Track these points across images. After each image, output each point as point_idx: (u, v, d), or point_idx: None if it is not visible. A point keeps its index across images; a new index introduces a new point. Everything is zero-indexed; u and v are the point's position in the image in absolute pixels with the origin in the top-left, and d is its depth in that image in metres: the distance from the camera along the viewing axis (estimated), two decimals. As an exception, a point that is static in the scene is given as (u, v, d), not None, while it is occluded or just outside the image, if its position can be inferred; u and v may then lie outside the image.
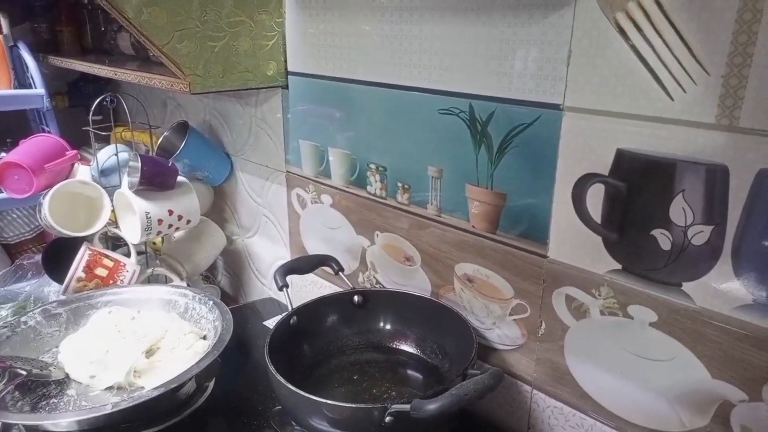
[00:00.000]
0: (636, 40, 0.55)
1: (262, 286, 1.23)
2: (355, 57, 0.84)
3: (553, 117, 0.62)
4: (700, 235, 0.54)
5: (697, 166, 0.53)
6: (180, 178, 1.07)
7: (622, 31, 0.55)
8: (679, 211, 0.55)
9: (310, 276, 1.03)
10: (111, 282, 1.02)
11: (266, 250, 1.19)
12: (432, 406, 0.54)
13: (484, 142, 0.70)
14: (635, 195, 0.58)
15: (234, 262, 1.30)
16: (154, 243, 1.23)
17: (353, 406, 0.60)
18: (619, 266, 0.61)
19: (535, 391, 0.73)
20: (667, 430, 0.61)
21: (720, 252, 0.53)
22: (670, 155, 0.55)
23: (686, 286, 0.56)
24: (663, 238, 0.57)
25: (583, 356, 0.67)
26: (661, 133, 0.55)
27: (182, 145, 1.09)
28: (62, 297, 0.97)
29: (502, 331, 0.75)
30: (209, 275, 1.33)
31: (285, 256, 1.12)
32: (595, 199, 0.61)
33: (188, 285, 1.14)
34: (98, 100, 1.09)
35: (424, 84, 0.76)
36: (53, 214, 1.05)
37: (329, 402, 0.60)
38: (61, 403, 0.75)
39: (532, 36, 0.63)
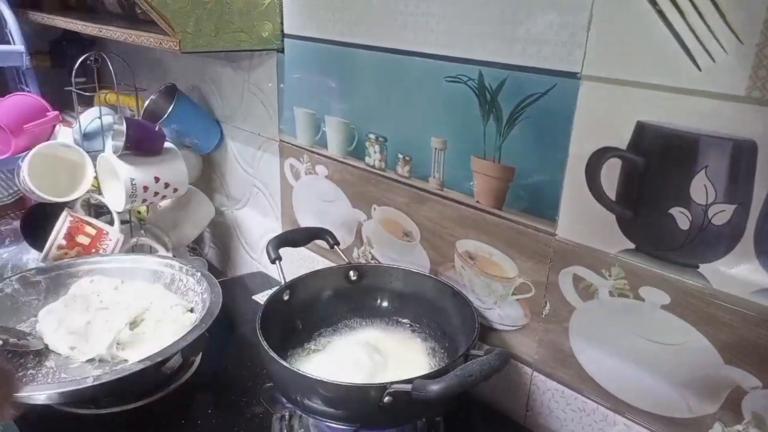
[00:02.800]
0: (663, 4, 0.51)
1: (251, 260, 1.20)
2: (356, 19, 0.80)
3: (570, 86, 0.59)
4: (721, 214, 0.52)
5: (723, 141, 0.50)
6: (167, 144, 1.03)
7: (649, -5, 0.52)
8: (701, 188, 0.52)
9: (303, 251, 0.99)
10: (93, 251, 0.98)
11: (256, 223, 1.15)
12: (435, 386, 0.51)
13: (493, 112, 0.66)
14: (654, 171, 0.55)
15: (222, 234, 1.26)
16: (139, 212, 1.18)
17: (351, 384, 0.57)
18: (632, 246, 0.58)
19: (535, 373, 0.71)
20: (674, 416, 0.59)
21: (742, 233, 0.51)
22: (694, 129, 0.52)
23: (703, 268, 0.54)
24: (681, 217, 0.54)
25: (589, 338, 0.64)
26: (686, 105, 0.52)
27: (170, 109, 1.04)
28: (42, 264, 0.93)
29: (503, 311, 0.72)
30: (196, 247, 1.29)
31: (276, 228, 1.08)
32: (611, 174, 0.58)
33: (174, 257, 1.10)
34: (82, 58, 1.03)
35: (429, 49, 0.71)
36: (33, 178, 0.99)
37: (325, 380, 0.57)
38: (39, 375, 0.71)
39: (550, -1, 0.59)
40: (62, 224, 0.98)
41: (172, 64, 1.28)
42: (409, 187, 0.79)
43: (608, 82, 0.56)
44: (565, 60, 0.59)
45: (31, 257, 1.12)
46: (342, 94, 0.85)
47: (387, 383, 0.55)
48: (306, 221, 1.00)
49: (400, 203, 0.82)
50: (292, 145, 0.98)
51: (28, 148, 1.02)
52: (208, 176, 1.25)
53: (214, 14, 0.84)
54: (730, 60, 0.49)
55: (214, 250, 1.32)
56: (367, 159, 0.84)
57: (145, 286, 0.86)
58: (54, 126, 1.14)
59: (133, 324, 0.78)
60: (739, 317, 0.52)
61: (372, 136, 0.82)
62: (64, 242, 0.97)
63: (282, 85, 0.96)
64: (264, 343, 0.62)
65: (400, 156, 0.79)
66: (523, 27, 0.62)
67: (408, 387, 0.53)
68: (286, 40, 0.93)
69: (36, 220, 1.12)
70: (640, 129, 0.55)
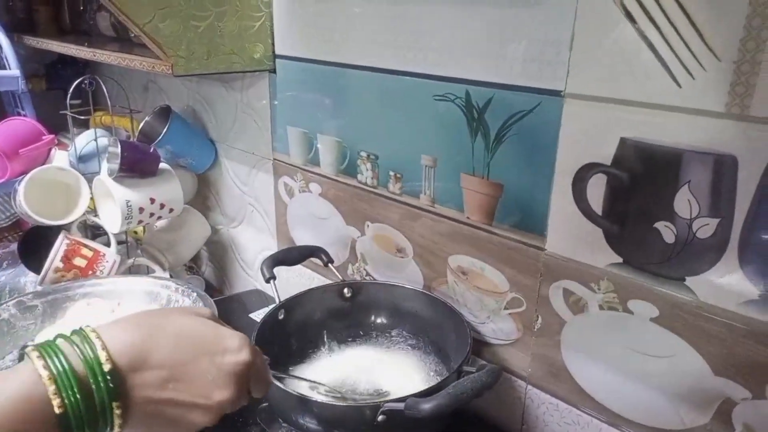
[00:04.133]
0: (643, 23, 0.52)
1: (248, 277, 1.20)
2: (346, 40, 0.81)
3: (554, 104, 0.60)
4: (705, 228, 0.52)
5: (704, 156, 0.51)
6: (162, 165, 1.03)
7: (628, 14, 0.53)
8: (684, 203, 0.53)
9: (298, 267, 1.00)
10: (90, 272, 0.99)
11: (252, 240, 1.15)
12: (427, 405, 0.52)
13: (481, 129, 0.67)
14: (638, 186, 0.56)
15: (219, 252, 1.27)
16: (135, 232, 1.19)
17: (344, 404, 0.58)
18: (620, 260, 0.59)
19: (529, 387, 0.71)
20: (667, 428, 0.59)
21: (726, 246, 0.51)
22: (676, 145, 0.52)
23: (690, 281, 0.54)
24: (667, 231, 0.55)
25: (581, 352, 0.65)
26: (668, 121, 0.53)
27: (164, 131, 1.05)
28: (38, 288, 0.93)
29: (496, 326, 0.73)
30: (193, 266, 1.29)
31: (272, 246, 1.08)
32: (597, 190, 0.59)
33: (171, 276, 1.10)
34: (76, 82, 1.04)
35: (418, 68, 0.72)
36: (29, 202, 1.00)
37: (319, 400, 0.57)
38: (37, 400, 0.71)
39: (533, 18, 0.60)
40: (59, 247, 0.99)
41: (166, 86, 1.29)
42: (401, 204, 0.80)
43: (591, 100, 0.57)
44: (549, 78, 0.60)
45: (29, 280, 1.13)
46: (333, 113, 0.86)
47: (381, 402, 0.56)
48: (301, 238, 1.01)
49: (393, 220, 0.82)
50: (286, 163, 0.99)
51: (25, 172, 1.03)
52: (203, 195, 1.25)
53: (205, 37, 0.85)
54: (709, 77, 0.50)
55: (211, 268, 1.33)
56: (359, 177, 0.85)
57: (142, 308, 0.86)
58: (50, 149, 1.15)
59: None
60: (727, 329, 0.53)
61: (364, 154, 0.83)
62: (61, 265, 0.98)
63: (275, 105, 0.97)
64: (258, 364, 0.62)
65: (392, 173, 0.80)
66: (507, 46, 0.63)
67: (401, 405, 0.54)
68: (277, 60, 0.94)
69: (33, 242, 1.12)
70: (624, 145, 0.56)
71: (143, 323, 0.42)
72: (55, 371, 0.36)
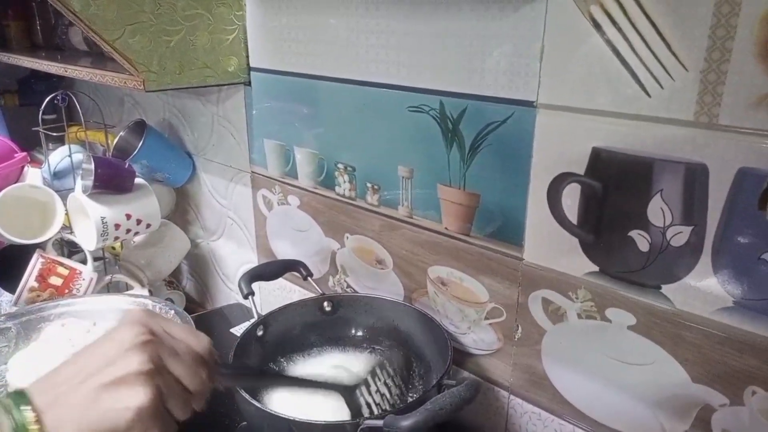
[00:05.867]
0: (611, 34, 0.52)
1: (230, 291, 1.19)
2: (321, 52, 0.80)
3: (527, 114, 0.60)
4: (679, 236, 0.53)
5: (676, 164, 0.51)
6: (138, 180, 1.02)
7: (596, 25, 0.53)
8: (657, 211, 0.53)
9: (279, 280, 0.99)
10: (67, 291, 0.97)
11: (232, 254, 1.14)
12: (406, 422, 0.51)
13: (456, 140, 0.67)
14: (612, 195, 0.56)
15: (199, 266, 1.26)
16: (113, 248, 1.17)
17: (323, 422, 0.57)
18: (596, 268, 0.59)
19: (512, 397, 0.71)
20: (647, 436, 0.59)
21: (700, 253, 0.52)
22: (648, 154, 0.53)
23: (665, 289, 0.55)
24: (641, 239, 0.55)
25: (561, 361, 0.65)
26: (638, 130, 0.53)
27: (139, 146, 1.04)
28: (12, 309, 0.91)
29: (477, 336, 0.72)
30: (173, 280, 1.27)
31: (252, 259, 1.07)
32: (571, 199, 0.59)
33: (150, 291, 1.09)
34: (48, 98, 1.02)
35: (392, 80, 0.72)
36: (2, 221, 0.98)
37: (297, 419, 0.56)
38: (10, 426, 0.70)
39: (503, 30, 0.60)
40: (34, 266, 0.97)
41: (141, 100, 1.27)
42: (379, 215, 0.80)
43: (563, 110, 0.57)
44: (521, 89, 0.60)
45: (4, 300, 1.10)
46: (310, 125, 0.86)
47: (360, 419, 0.55)
48: (281, 251, 1.00)
49: (372, 231, 0.82)
50: (264, 176, 0.98)
51: (-3, 191, 1.01)
52: (182, 209, 1.24)
53: (177, 52, 0.84)
54: (677, 86, 0.50)
55: (192, 282, 1.31)
56: (337, 188, 0.85)
57: (119, 327, 0.85)
58: (22, 167, 1.13)
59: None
60: (703, 336, 0.53)
61: (341, 165, 0.83)
62: (36, 284, 0.96)
63: (251, 117, 0.97)
64: (236, 384, 0.61)
65: (369, 185, 0.80)
66: (479, 58, 0.63)
67: (380, 423, 0.53)
68: (252, 73, 0.93)
69: (7, 262, 1.10)
70: (596, 155, 0.56)
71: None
72: None
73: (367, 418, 0.55)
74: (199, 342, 0.44)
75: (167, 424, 0.41)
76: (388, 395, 0.63)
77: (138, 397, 0.39)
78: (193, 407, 0.44)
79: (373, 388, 0.61)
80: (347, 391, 0.58)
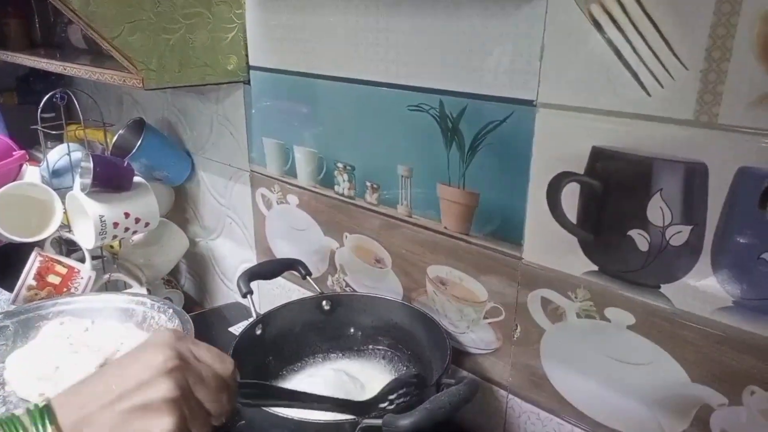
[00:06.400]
0: (611, 33, 0.52)
1: (228, 290, 1.19)
2: (320, 51, 0.80)
3: (527, 113, 0.60)
4: (678, 235, 0.52)
5: (675, 164, 0.51)
6: (137, 179, 1.02)
7: (597, 24, 0.53)
8: (657, 210, 0.53)
9: (278, 280, 0.99)
10: (65, 290, 0.97)
11: (231, 253, 1.14)
12: (405, 421, 0.51)
13: (456, 139, 0.67)
14: (611, 194, 0.56)
15: (198, 265, 1.25)
16: (112, 247, 1.17)
17: (321, 421, 0.57)
18: (595, 268, 0.59)
19: (510, 396, 0.71)
20: (646, 435, 0.59)
21: (699, 253, 0.52)
22: (648, 153, 0.53)
23: (665, 288, 0.54)
24: (640, 239, 0.55)
25: (560, 360, 0.64)
26: (638, 130, 0.53)
27: (138, 144, 1.04)
28: (10, 307, 0.91)
29: (476, 335, 0.72)
30: (172, 279, 1.27)
31: (251, 258, 1.07)
32: (571, 198, 0.59)
33: (149, 290, 1.09)
34: (47, 96, 1.02)
35: (392, 79, 0.72)
36: (0, 219, 0.98)
37: (295, 418, 0.56)
38: (8, 424, 0.70)
39: (503, 29, 0.60)
40: (32, 264, 0.97)
41: (140, 98, 1.27)
42: (378, 214, 0.80)
43: (563, 109, 0.57)
44: (521, 88, 0.60)
45: (2, 298, 1.10)
46: (309, 124, 0.86)
47: (358, 419, 0.55)
48: (280, 250, 1.00)
49: (371, 230, 0.82)
50: (263, 174, 0.98)
51: (-5, 189, 1.01)
52: (181, 208, 1.24)
53: (177, 50, 0.84)
54: (677, 86, 0.50)
55: (190, 281, 1.31)
56: (336, 187, 0.85)
57: (117, 326, 0.84)
58: (21, 165, 1.13)
59: (103, 367, 0.76)
60: (703, 336, 0.53)
61: (340, 164, 0.83)
62: (34, 283, 0.96)
63: (251, 116, 0.96)
64: (235, 383, 0.61)
65: (369, 184, 0.80)
66: (479, 56, 0.63)
67: (378, 422, 0.53)
68: (252, 72, 0.93)
69: (6, 260, 1.10)
70: (596, 154, 0.56)
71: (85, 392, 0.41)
72: None
73: (365, 417, 0.55)
74: (224, 366, 0.45)
75: None
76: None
77: (164, 424, 0.39)
78: (213, 426, 0.44)
79: (387, 404, 0.59)
80: (362, 410, 0.57)
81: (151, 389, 0.39)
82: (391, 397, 0.57)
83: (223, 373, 0.44)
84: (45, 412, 0.38)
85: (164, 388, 0.40)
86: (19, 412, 0.39)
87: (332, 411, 0.54)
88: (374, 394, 0.57)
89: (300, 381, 0.74)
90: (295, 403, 0.52)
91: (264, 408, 0.58)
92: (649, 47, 0.51)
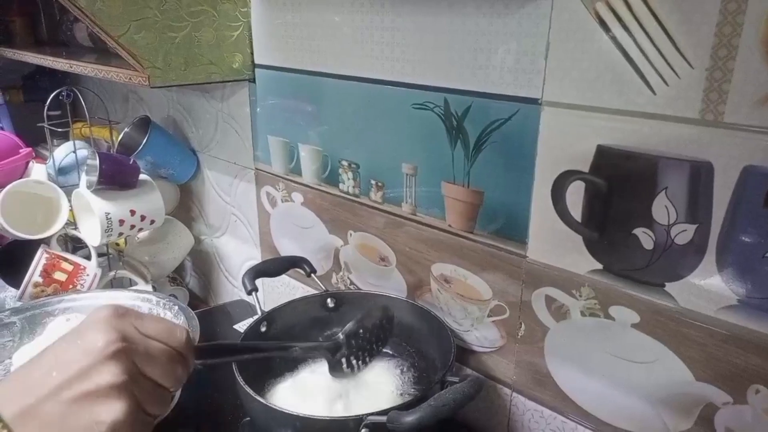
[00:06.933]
0: (617, 31, 0.52)
1: (233, 288, 1.19)
2: (325, 49, 0.81)
3: (532, 112, 0.60)
4: (683, 234, 0.52)
5: (681, 162, 0.51)
6: (143, 177, 1.02)
7: (602, 23, 0.53)
8: (662, 209, 0.53)
9: (282, 277, 0.99)
10: (71, 286, 0.97)
11: (236, 251, 1.14)
12: (409, 418, 0.51)
13: (460, 138, 0.67)
14: (616, 193, 0.56)
15: (203, 262, 1.26)
16: (117, 244, 1.18)
17: (326, 418, 0.57)
18: (600, 266, 0.59)
19: (514, 394, 0.71)
20: (650, 434, 0.59)
21: (704, 251, 0.52)
22: (653, 151, 0.53)
23: (669, 287, 0.54)
24: (645, 237, 0.55)
25: (564, 358, 0.65)
26: (643, 128, 0.53)
27: (144, 142, 1.04)
28: (17, 304, 0.92)
29: (480, 333, 0.73)
30: (177, 277, 1.28)
31: (256, 256, 1.08)
32: (576, 197, 0.59)
33: (154, 287, 1.09)
34: (53, 94, 1.03)
35: (396, 77, 0.72)
36: (6, 216, 0.99)
37: (300, 414, 0.57)
38: (15, 420, 0.70)
39: (508, 27, 0.60)
40: (38, 261, 0.97)
41: (146, 96, 1.28)
42: (383, 212, 0.80)
43: (568, 107, 0.57)
44: (526, 86, 0.60)
45: (9, 295, 1.11)
46: (314, 122, 0.86)
47: (363, 415, 0.55)
48: (285, 248, 1.00)
49: (376, 229, 0.82)
50: (268, 173, 0.98)
51: (2, 186, 1.02)
52: (186, 205, 1.24)
53: (182, 48, 0.85)
54: (682, 84, 0.50)
55: (195, 278, 1.31)
56: (341, 185, 0.85)
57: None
58: (27, 163, 1.13)
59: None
60: (707, 334, 0.53)
61: (345, 162, 0.83)
62: (40, 279, 0.96)
63: (256, 114, 0.97)
64: (239, 378, 0.62)
65: (373, 182, 0.80)
66: (484, 55, 0.63)
67: (383, 419, 0.53)
68: (257, 70, 0.93)
69: (12, 257, 1.10)
70: (601, 152, 0.56)
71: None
72: None
73: (370, 414, 0.55)
74: (174, 337, 0.42)
75: (145, 425, 0.40)
76: (368, 351, 0.61)
77: (113, 411, 0.37)
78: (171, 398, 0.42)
79: (353, 347, 0.59)
80: (329, 352, 0.57)
81: (95, 376, 0.37)
82: (360, 333, 0.57)
83: (174, 344, 0.41)
84: None
85: (109, 374, 0.37)
86: None
87: (303, 356, 0.52)
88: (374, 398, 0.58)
89: (303, 381, 0.74)
90: (258, 353, 0.51)
91: (266, 404, 0.58)
92: (655, 45, 0.51)
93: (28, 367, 0.39)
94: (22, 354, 0.79)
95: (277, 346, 0.51)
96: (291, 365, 0.77)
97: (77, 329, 0.39)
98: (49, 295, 0.94)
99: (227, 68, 0.91)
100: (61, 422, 0.36)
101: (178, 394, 0.43)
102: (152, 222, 1.03)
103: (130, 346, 0.39)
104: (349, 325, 0.58)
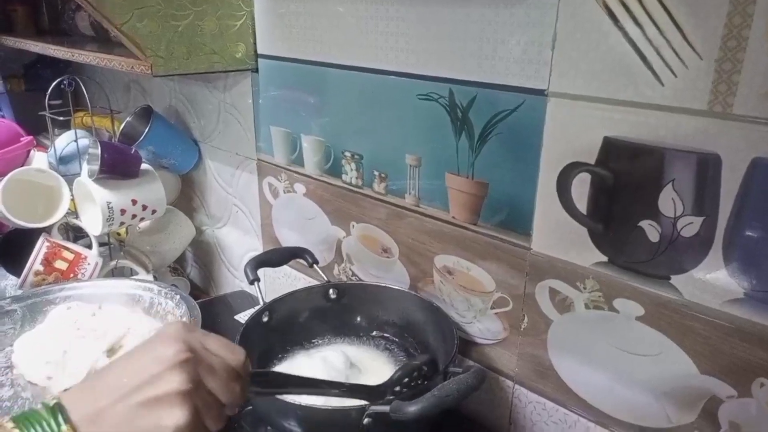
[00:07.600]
0: (625, 22, 0.52)
1: (234, 279, 1.19)
2: (329, 39, 0.80)
3: (538, 103, 0.60)
4: (689, 226, 0.52)
5: (688, 154, 0.51)
6: (144, 166, 1.02)
7: (610, 13, 0.52)
8: (669, 201, 0.53)
9: (284, 268, 0.99)
10: (71, 275, 0.97)
11: (237, 241, 1.14)
12: (412, 408, 0.51)
13: (465, 129, 0.67)
14: (622, 185, 0.56)
15: (204, 253, 1.26)
16: (118, 234, 1.17)
17: (329, 407, 0.57)
18: (605, 258, 0.59)
19: (517, 386, 0.71)
20: (653, 426, 0.59)
21: (710, 244, 0.51)
22: (660, 143, 0.52)
23: (675, 279, 0.54)
24: (651, 230, 0.55)
25: (567, 351, 0.64)
26: (651, 120, 0.52)
27: (146, 132, 1.04)
28: (18, 292, 0.92)
29: (483, 325, 0.72)
30: (178, 267, 1.28)
31: (257, 247, 1.07)
32: (581, 189, 0.59)
33: (155, 277, 1.09)
34: (55, 83, 1.02)
35: (401, 68, 0.72)
36: (7, 204, 0.98)
37: (303, 404, 0.57)
38: (16, 407, 0.70)
39: (515, 17, 0.59)
40: (39, 250, 0.97)
41: (148, 86, 1.27)
42: (386, 203, 0.80)
43: (575, 99, 0.57)
44: (533, 77, 0.59)
45: (10, 283, 1.11)
46: (317, 113, 0.85)
47: (366, 405, 0.55)
48: (286, 239, 1.00)
49: (378, 220, 0.82)
50: (270, 163, 0.97)
51: (3, 174, 1.01)
52: (187, 196, 1.24)
53: (185, 37, 0.84)
54: (691, 75, 0.49)
55: (196, 269, 1.31)
56: (344, 176, 0.85)
57: (124, 311, 0.85)
58: (29, 151, 1.13)
59: (111, 351, 0.76)
60: (712, 327, 0.53)
61: (348, 153, 0.83)
62: (41, 268, 0.96)
63: (258, 105, 0.96)
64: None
65: (376, 173, 0.79)
66: (490, 45, 0.62)
67: (386, 408, 0.53)
68: (260, 60, 0.93)
69: (13, 245, 1.10)
70: (607, 144, 0.55)
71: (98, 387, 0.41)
72: None
73: (373, 404, 0.55)
74: (235, 356, 0.44)
75: None
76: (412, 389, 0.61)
77: (177, 416, 0.39)
78: (227, 416, 0.44)
79: (400, 388, 0.59)
80: (374, 395, 0.57)
81: (162, 382, 0.39)
82: (405, 381, 0.57)
83: (233, 364, 0.44)
84: (57, 410, 0.38)
85: (176, 381, 0.39)
86: (36, 408, 0.39)
87: (344, 396, 0.54)
88: (383, 381, 0.57)
89: (300, 362, 0.74)
90: (307, 390, 0.52)
91: (277, 396, 0.58)
92: (663, 36, 0.50)
93: (101, 374, 0.41)
94: (24, 341, 0.79)
95: (328, 384, 0.52)
96: (289, 353, 0.77)
97: (149, 341, 0.42)
98: (50, 283, 0.94)
99: (230, 58, 0.90)
100: (127, 425, 0.38)
101: (231, 416, 0.45)
102: (153, 212, 1.03)
103: (196, 357, 0.42)
104: (397, 372, 0.58)
